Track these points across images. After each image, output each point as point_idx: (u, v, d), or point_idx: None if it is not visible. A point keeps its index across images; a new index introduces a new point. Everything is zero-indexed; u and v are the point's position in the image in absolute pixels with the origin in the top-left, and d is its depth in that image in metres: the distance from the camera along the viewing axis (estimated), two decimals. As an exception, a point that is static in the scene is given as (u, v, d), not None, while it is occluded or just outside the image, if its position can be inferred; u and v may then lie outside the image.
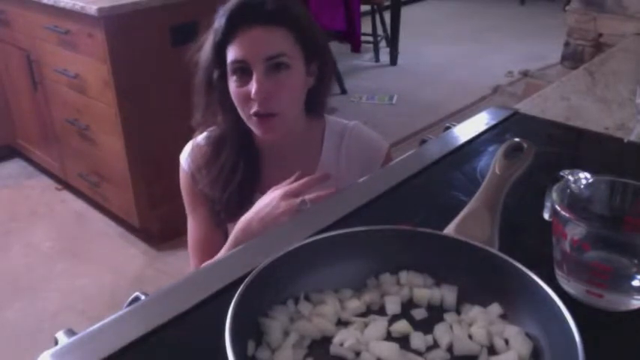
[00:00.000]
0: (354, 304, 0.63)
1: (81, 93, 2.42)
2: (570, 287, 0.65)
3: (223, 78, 1.05)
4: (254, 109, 1.01)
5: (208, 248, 1.12)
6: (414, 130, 3.55)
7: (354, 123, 1.19)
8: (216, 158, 1.11)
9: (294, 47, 1.01)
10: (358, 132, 1.18)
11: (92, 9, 2.07)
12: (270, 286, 0.61)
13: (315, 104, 1.12)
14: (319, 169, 1.14)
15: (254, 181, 1.12)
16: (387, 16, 4.75)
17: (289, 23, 1.01)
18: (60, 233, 2.64)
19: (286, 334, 0.59)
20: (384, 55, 4.85)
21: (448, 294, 0.64)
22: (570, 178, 0.70)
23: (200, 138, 1.15)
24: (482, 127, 1.12)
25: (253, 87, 0.98)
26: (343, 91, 4.15)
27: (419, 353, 0.58)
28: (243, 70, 1.00)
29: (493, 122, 1.14)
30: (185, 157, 1.17)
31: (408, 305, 0.64)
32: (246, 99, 1.01)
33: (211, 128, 1.14)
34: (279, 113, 1.02)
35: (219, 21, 1.02)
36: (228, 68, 1.02)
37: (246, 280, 0.58)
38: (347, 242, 0.66)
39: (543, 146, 0.95)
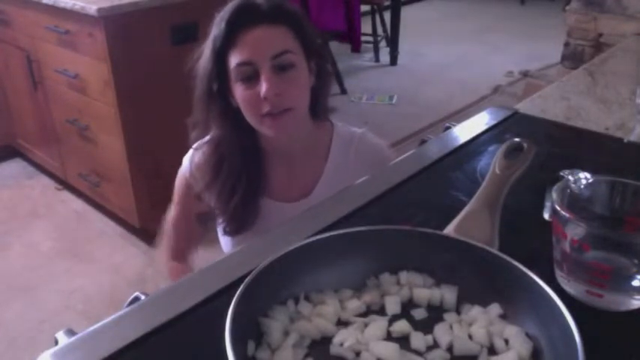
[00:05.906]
0: (354, 304, 0.63)
1: (81, 93, 2.42)
2: (570, 287, 0.65)
3: (223, 90, 1.03)
4: (266, 109, 0.99)
5: (184, 231, 1.24)
6: (414, 130, 3.55)
7: (363, 130, 1.19)
8: (219, 171, 1.10)
9: (295, 44, 1.01)
10: (367, 139, 1.18)
11: (92, 9, 2.07)
12: (270, 286, 0.61)
13: (316, 106, 1.11)
14: (325, 174, 1.14)
15: (261, 186, 1.12)
16: (387, 16, 4.75)
17: (287, 21, 1.01)
18: (60, 233, 2.64)
19: (286, 334, 0.59)
20: (384, 55, 4.85)
21: (448, 294, 0.64)
22: (570, 178, 0.69)
23: (202, 144, 1.14)
24: (482, 127, 1.12)
25: (263, 86, 0.97)
26: (343, 91, 4.14)
27: (419, 353, 0.58)
28: (249, 74, 0.99)
29: (493, 122, 1.14)
30: (187, 162, 1.17)
31: (408, 305, 0.64)
32: (257, 101, 0.99)
33: (213, 134, 1.12)
34: (292, 109, 1.02)
35: (218, 28, 1.00)
36: (233, 74, 1.00)
37: (246, 280, 0.58)
38: (347, 242, 0.66)
39: (543, 146, 0.95)
